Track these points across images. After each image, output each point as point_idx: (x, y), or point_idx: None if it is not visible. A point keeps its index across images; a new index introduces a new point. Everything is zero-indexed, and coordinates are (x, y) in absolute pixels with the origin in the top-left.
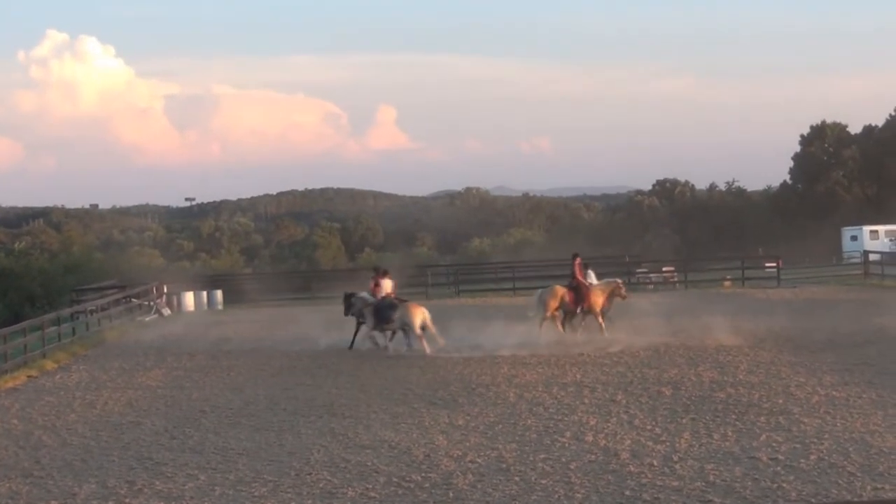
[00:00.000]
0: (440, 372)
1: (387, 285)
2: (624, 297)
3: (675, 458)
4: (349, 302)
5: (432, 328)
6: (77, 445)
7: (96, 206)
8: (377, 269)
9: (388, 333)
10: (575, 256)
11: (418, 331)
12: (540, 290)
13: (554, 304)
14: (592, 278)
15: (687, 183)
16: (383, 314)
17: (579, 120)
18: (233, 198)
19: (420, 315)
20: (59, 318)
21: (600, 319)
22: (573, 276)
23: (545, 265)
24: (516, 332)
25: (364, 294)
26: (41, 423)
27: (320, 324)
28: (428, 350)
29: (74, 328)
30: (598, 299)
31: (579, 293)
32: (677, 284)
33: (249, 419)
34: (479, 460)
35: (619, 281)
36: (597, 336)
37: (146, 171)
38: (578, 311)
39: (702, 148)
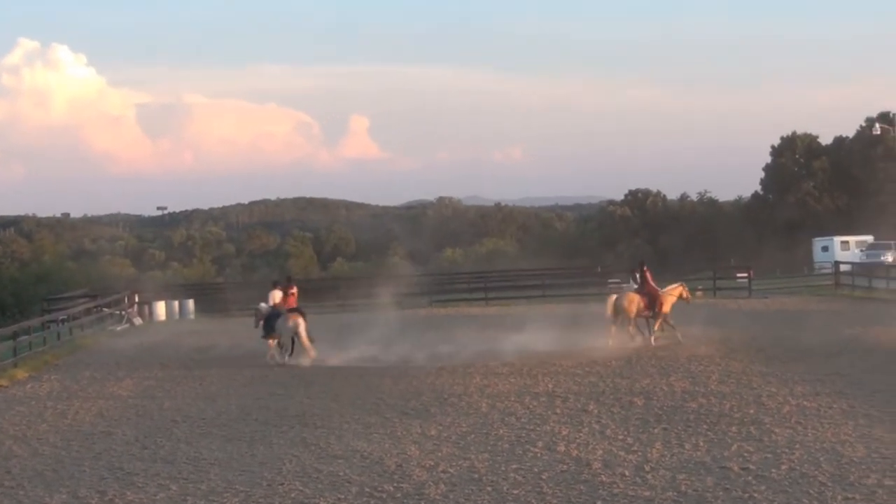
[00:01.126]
0: (413, 382)
1: (276, 296)
2: (688, 300)
3: (647, 468)
4: (255, 313)
5: (304, 340)
6: (48, 455)
7: (68, 214)
8: (288, 279)
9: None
10: (642, 265)
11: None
12: (615, 297)
13: (633, 309)
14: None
15: (659, 193)
16: (268, 324)
17: (551, 130)
18: (205, 207)
19: (298, 325)
20: (31, 327)
21: (659, 323)
22: (645, 282)
23: (518, 275)
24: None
25: (262, 304)
26: (12, 433)
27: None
28: (305, 362)
29: (45, 337)
30: (668, 303)
31: (652, 299)
32: None
33: (221, 429)
34: (451, 470)
35: (684, 284)
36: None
37: (118, 179)
38: (650, 315)
39: (673, 158)
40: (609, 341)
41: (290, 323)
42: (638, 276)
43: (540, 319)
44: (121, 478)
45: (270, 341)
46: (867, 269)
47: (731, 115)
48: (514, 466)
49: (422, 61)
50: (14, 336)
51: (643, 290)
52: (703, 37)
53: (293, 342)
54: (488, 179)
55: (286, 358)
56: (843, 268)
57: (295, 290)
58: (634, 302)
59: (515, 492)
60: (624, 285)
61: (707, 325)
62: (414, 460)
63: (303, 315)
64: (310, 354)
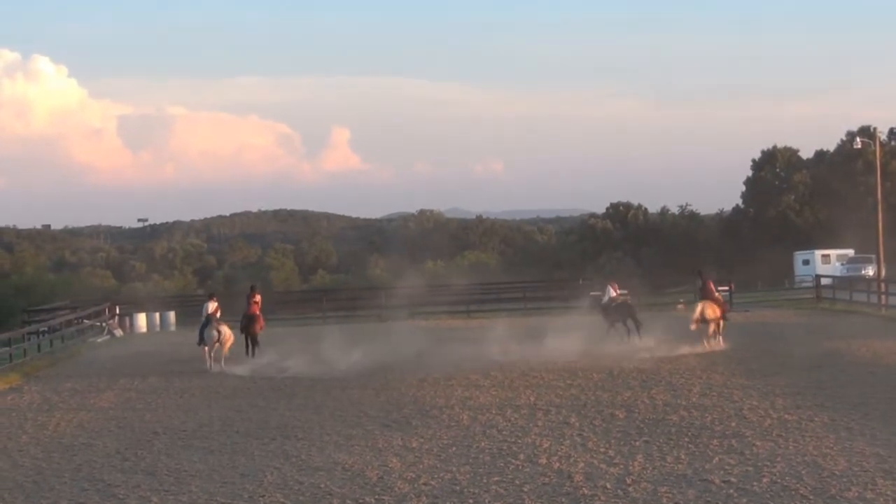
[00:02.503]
0: (394, 394)
1: (210, 306)
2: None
3: (629, 481)
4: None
5: (224, 348)
6: (28, 467)
7: (48, 226)
8: (252, 287)
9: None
10: (700, 273)
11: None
12: (700, 305)
13: (715, 317)
14: (611, 292)
15: (640, 206)
16: (200, 333)
17: (532, 143)
18: (186, 219)
19: (221, 333)
20: (11, 338)
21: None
22: (710, 290)
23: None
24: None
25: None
26: None
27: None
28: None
29: (26, 349)
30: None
31: (720, 305)
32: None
33: (202, 441)
34: (432, 483)
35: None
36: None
37: (99, 191)
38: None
39: (655, 171)
40: (705, 343)
41: (213, 332)
42: (700, 284)
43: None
44: (102, 489)
45: (204, 348)
46: (848, 283)
47: (712, 129)
48: (495, 479)
49: (404, 74)
50: None
51: (711, 297)
52: (685, 51)
53: (249, 347)
54: (470, 192)
55: (212, 366)
56: (824, 281)
57: (258, 298)
58: (716, 310)
59: None
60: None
61: (688, 338)
62: (395, 472)
63: (252, 321)
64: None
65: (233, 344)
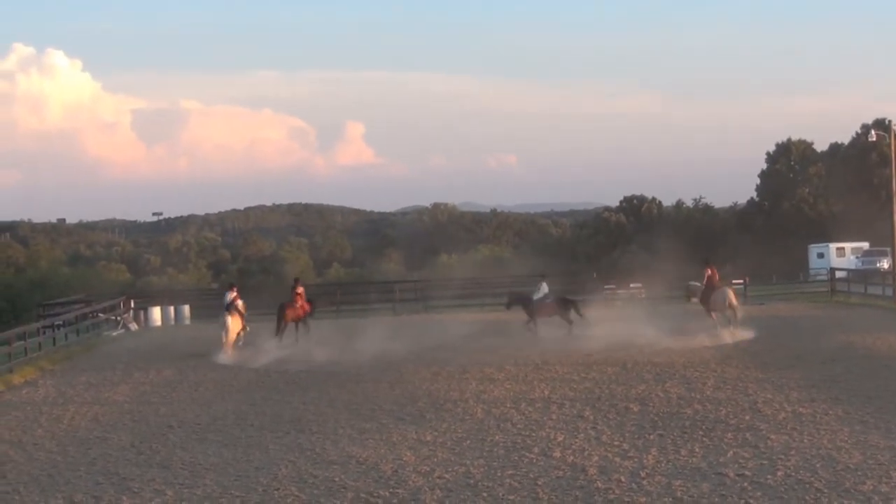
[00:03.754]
0: (408, 387)
1: (230, 296)
2: None
3: (643, 475)
4: None
5: (229, 338)
6: (44, 460)
7: (63, 220)
8: (295, 280)
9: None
10: (707, 262)
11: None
12: (730, 290)
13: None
14: (545, 288)
15: (654, 199)
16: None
17: (546, 136)
18: (200, 212)
19: (225, 323)
20: (26, 332)
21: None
22: (715, 279)
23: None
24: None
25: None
26: (7, 438)
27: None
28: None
29: (41, 343)
30: None
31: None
32: (645, 300)
33: (217, 434)
34: (446, 476)
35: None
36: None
37: (113, 185)
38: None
39: (669, 164)
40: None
41: (222, 320)
42: (708, 273)
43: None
44: (116, 483)
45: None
46: (863, 276)
47: (726, 122)
48: (509, 472)
49: (418, 68)
50: (10, 341)
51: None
52: (700, 43)
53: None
54: (484, 185)
55: (226, 352)
56: (838, 274)
57: (301, 289)
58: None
59: (511, 498)
60: (620, 291)
61: (703, 331)
62: (409, 466)
63: (285, 308)
64: (226, 353)
65: (243, 334)
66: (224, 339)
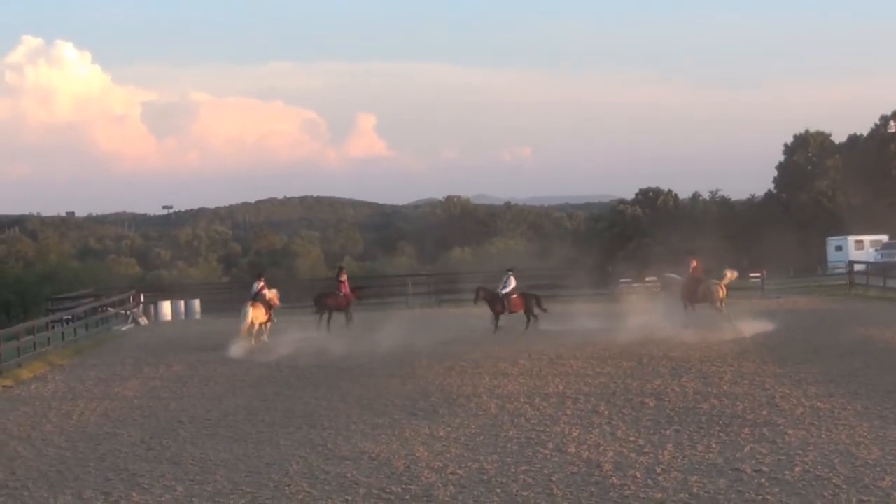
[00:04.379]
0: (421, 382)
1: (257, 285)
2: None
3: (659, 470)
4: None
5: (244, 327)
6: (53, 456)
7: (72, 214)
8: (340, 269)
9: None
10: (693, 254)
11: None
12: (712, 285)
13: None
14: (512, 283)
15: (670, 192)
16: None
17: (561, 128)
18: (211, 206)
19: (245, 314)
20: (35, 326)
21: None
22: (699, 272)
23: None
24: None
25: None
26: (16, 434)
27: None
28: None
29: (50, 337)
30: None
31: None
32: (660, 294)
33: (227, 430)
34: (459, 472)
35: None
36: None
37: (123, 178)
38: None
39: (685, 156)
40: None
41: (244, 309)
42: (692, 266)
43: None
44: (126, 479)
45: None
46: (882, 269)
47: (743, 113)
48: (523, 468)
49: (430, 59)
50: (18, 336)
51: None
52: (716, 33)
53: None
54: (497, 178)
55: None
56: (857, 267)
57: (345, 277)
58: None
59: (525, 494)
60: (635, 284)
61: (719, 325)
62: (422, 462)
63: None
64: (241, 342)
65: (266, 324)
66: (241, 328)
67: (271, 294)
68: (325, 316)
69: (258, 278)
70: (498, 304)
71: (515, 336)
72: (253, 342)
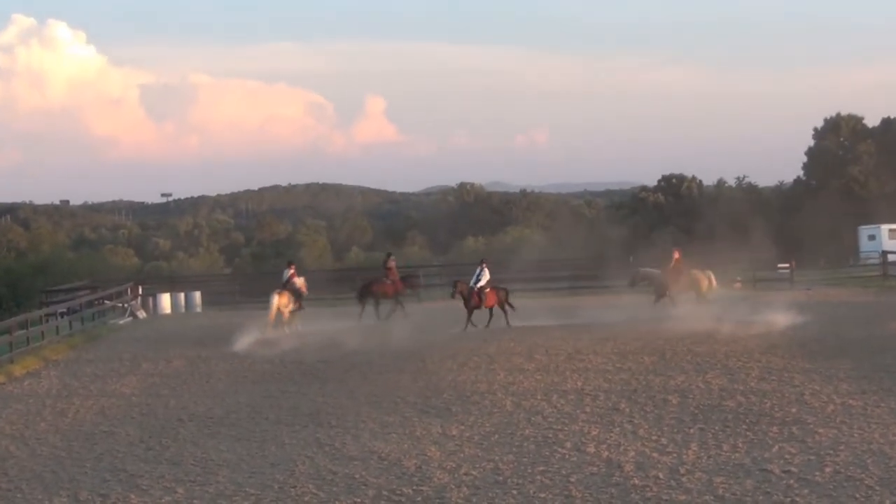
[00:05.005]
0: (433, 378)
1: (287, 273)
2: None
3: (683, 471)
4: None
5: (271, 314)
6: (47, 456)
7: (67, 202)
8: (388, 255)
9: None
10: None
11: None
12: (698, 275)
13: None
14: (486, 275)
15: (694, 178)
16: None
17: (579, 112)
18: (212, 193)
19: (271, 301)
20: (28, 320)
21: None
22: (681, 263)
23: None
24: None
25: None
26: (9, 433)
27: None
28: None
29: (44, 332)
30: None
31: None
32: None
33: (230, 429)
34: (473, 473)
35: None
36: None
37: (120, 165)
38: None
39: (710, 142)
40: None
41: (272, 297)
42: (675, 258)
43: None
44: (124, 480)
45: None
46: None
47: (771, 96)
48: (540, 468)
49: (442, 39)
50: (11, 330)
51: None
52: (741, 14)
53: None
54: (512, 164)
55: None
56: (891, 258)
57: (393, 264)
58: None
59: (542, 495)
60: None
61: (747, 318)
62: (434, 462)
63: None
64: (266, 330)
65: (294, 310)
66: (269, 316)
67: (300, 282)
68: (371, 304)
69: (288, 266)
70: (474, 297)
71: (529, 332)
72: (286, 330)
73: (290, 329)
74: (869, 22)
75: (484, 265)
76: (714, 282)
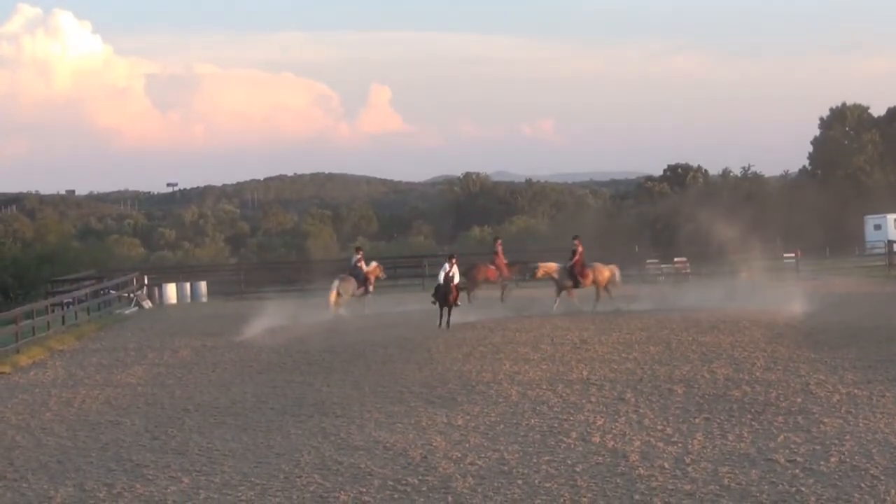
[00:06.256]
0: (438, 368)
1: (355, 258)
2: None
3: (688, 461)
4: None
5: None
6: (53, 446)
7: (73, 192)
8: (495, 239)
9: None
10: (577, 238)
11: None
12: (600, 269)
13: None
14: (447, 269)
15: (700, 168)
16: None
17: (585, 101)
18: (217, 183)
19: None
20: (34, 310)
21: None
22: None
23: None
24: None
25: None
26: (15, 423)
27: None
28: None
29: (50, 322)
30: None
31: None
32: (690, 276)
33: (236, 418)
34: (479, 462)
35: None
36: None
37: (125, 154)
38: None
39: (715, 131)
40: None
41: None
42: (579, 251)
43: None
44: (130, 470)
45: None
46: None
47: (777, 85)
48: (546, 458)
49: (448, 28)
50: (17, 320)
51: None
52: (747, 3)
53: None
54: (518, 154)
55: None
56: None
57: (500, 247)
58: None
59: (547, 485)
60: (663, 266)
61: (753, 307)
62: (440, 452)
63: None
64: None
65: (361, 294)
66: (330, 298)
67: (371, 268)
68: (472, 285)
69: (356, 251)
70: (453, 293)
71: (536, 320)
72: (342, 311)
73: (368, 309)
74: (875, 12)
75: (452, 259)
76: (617, 275)
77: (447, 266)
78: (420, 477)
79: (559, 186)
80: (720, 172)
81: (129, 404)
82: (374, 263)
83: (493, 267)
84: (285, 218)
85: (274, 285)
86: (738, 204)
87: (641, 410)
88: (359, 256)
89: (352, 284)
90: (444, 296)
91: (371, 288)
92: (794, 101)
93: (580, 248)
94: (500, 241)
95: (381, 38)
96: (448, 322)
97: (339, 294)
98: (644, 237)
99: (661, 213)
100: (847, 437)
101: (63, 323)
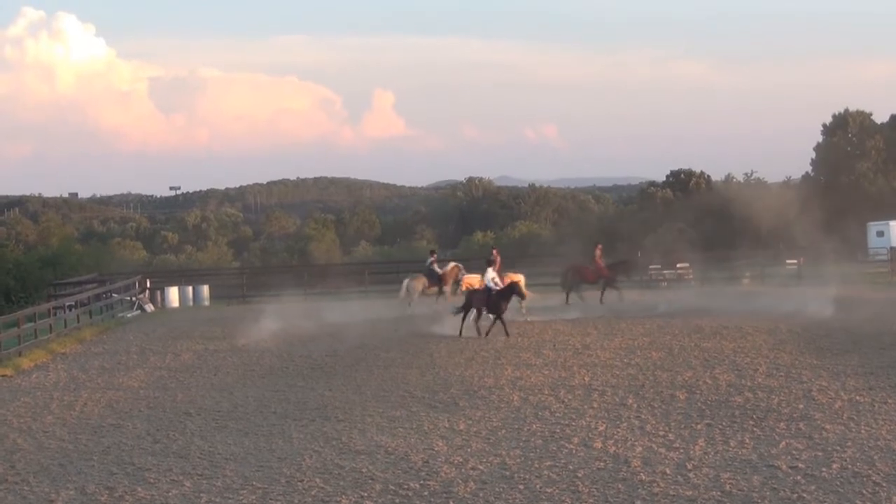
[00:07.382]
0: (440, 373)
1: (429, 259)
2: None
3: (690, 466)
4: None
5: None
6: (54, 449)
7: (75, 195)
8: (596, 243)
9: None
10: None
11: None
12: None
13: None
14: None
15: (702, 174)
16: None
17: (588, 107)
18: (220, 187)
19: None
20: (36, 313)
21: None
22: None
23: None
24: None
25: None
26: (17, 426)
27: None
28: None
29: (52, 325)
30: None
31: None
32: (693, 282)
33: (237, 422)
34: (480, 467)
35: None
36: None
37: (128, 158)
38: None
39: (719, 137)
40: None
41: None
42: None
43: None
44: (131, 473)
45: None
46: None
47: (779, 92)
48: (547, 464)
49: (451, 33)
50: (19, 323)
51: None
52: (751, 9)
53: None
54: (521, 159)
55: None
56: None
57: (599, 251)
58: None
59: (549, 490)
60: (665, 271)
61: (754, 314)
62: (441, 456)
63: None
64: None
65: (435, 293)
66: (401, 294)
67: (449, 269)
68: (574, 289)
69: (430, 254)
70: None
71: (537, 326)
72: (410, 309)
73: (440, 306)
74: (877, 17)
75: (431, 256)
76: (524, 285)
77: (491, 272)
78: (422, 481)
79: (562, 191)
80: (723, 178)
81: (130, 408)
82: (452, 264)
83: (590, 269)
84: (288, 222)
85: (276, 289)
86: (741, 210)
87: (643, 416)
88: (433, 258)
89: (421, 283)
90: (497, 304)
91: (447, 288)
92: (797, 107)
93: (497, 258)
94: (600, 246)
95: (384, 42)
96: (506, 331)
97: (407, 292)
98: (647, 241)
99: (664, 219)
100: (849, 443)
101: (65, 326)
